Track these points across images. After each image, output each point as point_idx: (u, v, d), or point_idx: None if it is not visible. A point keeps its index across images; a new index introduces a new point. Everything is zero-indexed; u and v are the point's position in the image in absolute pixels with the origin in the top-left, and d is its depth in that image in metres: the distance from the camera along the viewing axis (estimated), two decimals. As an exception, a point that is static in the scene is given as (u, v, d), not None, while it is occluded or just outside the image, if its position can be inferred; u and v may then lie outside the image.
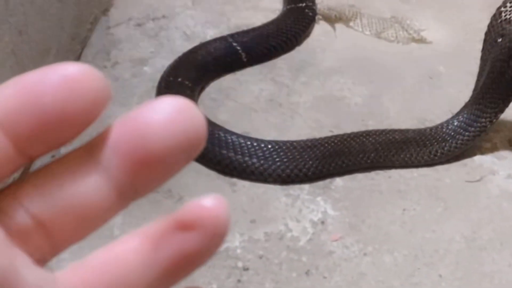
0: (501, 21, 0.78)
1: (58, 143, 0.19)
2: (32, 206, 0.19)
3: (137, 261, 0.19)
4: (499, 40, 0.78)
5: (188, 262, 0.19)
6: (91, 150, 0.19)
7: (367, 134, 0.82)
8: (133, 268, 0.19)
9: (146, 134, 0.18)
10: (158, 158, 0.18)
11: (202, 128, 0.19)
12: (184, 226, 0.18)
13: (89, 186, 0.19)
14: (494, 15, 0.80)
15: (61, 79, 0.18)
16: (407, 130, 0.83)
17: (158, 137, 0.18)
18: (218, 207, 0.18)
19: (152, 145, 0.18)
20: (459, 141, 0.82)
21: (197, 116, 0.19)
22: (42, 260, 0.19)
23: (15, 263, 0.17)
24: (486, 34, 0.81)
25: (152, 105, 0.18)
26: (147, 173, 0.19)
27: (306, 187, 0.79)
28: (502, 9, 0.79)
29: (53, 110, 0.18)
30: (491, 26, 0.80)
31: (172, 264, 0.19)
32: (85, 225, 0.19)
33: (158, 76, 0.91)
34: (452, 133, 0.82)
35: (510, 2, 0.78)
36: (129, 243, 0.19)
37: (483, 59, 0.82)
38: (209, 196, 0.18)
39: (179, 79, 0.89)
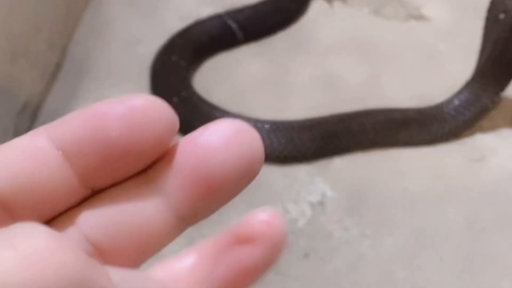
0: (504, -3, 0.76)
1: (122, 175, 0.19)
2: (90, 231, 0.18)
3: (194, 279, 0.18)
4: (502, 16, 0.77)
5: (246, 277, 0.18)
6: (151, 175, 0.19)
7: (366, 113, 0.81)
8: (190, 285, 0.18)
9: (207, 157, 0.18)
10: (220, 181, 0.18)
11: (260, 149, 0.19)
12: (242, 240, 0.18)
13: (148, 211, 0.19)
14: (496, -9, 0.78)
15: (127, 111, 0.18)
16: (407, 109, 0.82)
17: (220, 159, 0.18)
18: (275, 219, 0.18)
19: (214, 168, 0.18)
20: (460, 120, 0.81)
21: (255, 137, 0.19)
22: None
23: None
24: (488, 10, 0.79)
25: (211, 128, 0.18)
26: (208, 197, 0.19)
27: (304, 168, 0.78)
28: (505, -16, 0.77)
29: (119, 143, 0.18)
30: (493, 1, 0.78)
31: (231, 278, 0.18)
32: (143, 250, 0.19)
33: (151, 56, 0.90)
34: (453, 112, 0.81)
35: (513, -23, 0.77)
36: (185, 260, 0.19)
37: (485, 37, 0.80)
38: (265, 210, 0.18)
39: (174, 59, 0.88)
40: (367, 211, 0.74)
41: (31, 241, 0.15)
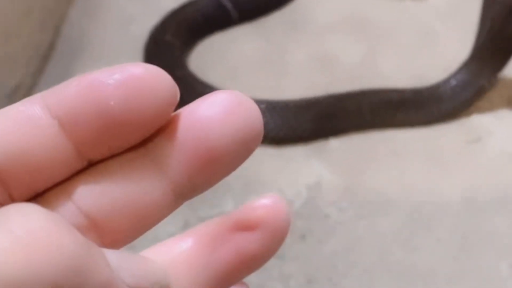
0: (502, -25, 0.76)
1: (120, 147, 0.18)
2: (85, 204, 0.18)
3: (190, 263, 0.18)
4: (500, -5, 0.76)
5: (246, 264, 0.18)
6: (149, 147, 0.18)
7: (363, 94, 0.80)
8: (186, 270, 0.18)
9: (206, 129, 0.18)
10: (220, 153, 0.18)
11: (259, 120, 0.19)
12: (243, 227, 0.18)
13: (145, 184, 0.18)
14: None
15: (126, 80, 0.17)
16: (403, 90, 0.81)
17: (219, 131, 0.18)
18: (278, 206, 0.18)
19: (214, 140, 0.18)
20: (457, 101, 0.80)
21: (254, 109, 0.18)
22: None
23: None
24: (485, -11, 0.79)
25: (210, 99, 0.18)
26: (207, 170, 0.18)
27: (300, 149, 0.78)
28: (503, -38, 0.76)
29: (116, 112, 0.17)
30: (491, -19, 0.78)
31: (229, 266, 0.18)
32: (139, 225, 0.19)
33: (145, 36, 0.89)
34: (450, 92, 0.80)
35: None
36: (181, 244, 0.18)
37: (482, 16, 0.79)
38: (267, 196, 0.18)
39: (168, 38, 0.87)
40: (363, 192, 0.73)
41: (27, 223, 0.14)
